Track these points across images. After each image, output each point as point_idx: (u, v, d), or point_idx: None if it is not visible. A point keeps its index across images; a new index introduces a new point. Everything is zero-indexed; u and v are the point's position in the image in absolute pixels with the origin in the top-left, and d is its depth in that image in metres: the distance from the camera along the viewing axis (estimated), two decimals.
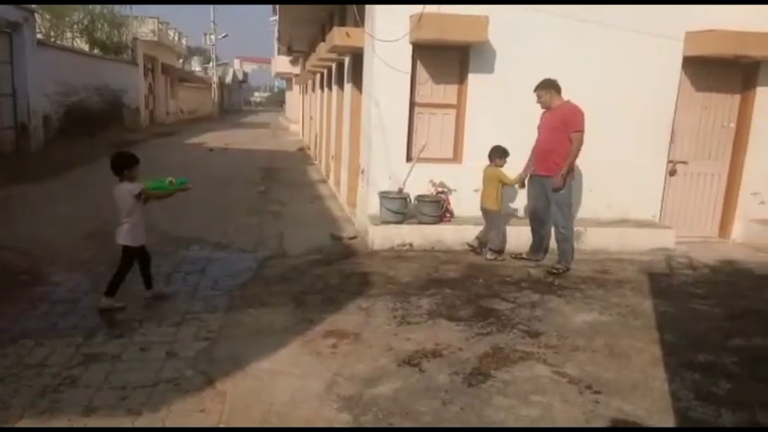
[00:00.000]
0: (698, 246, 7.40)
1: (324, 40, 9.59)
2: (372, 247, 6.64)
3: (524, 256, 6.51)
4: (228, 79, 57.15)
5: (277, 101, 71.50)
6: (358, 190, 7.93)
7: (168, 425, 3.13)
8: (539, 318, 4.82)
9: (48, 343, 4.00)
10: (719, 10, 6.88)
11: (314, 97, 16.56)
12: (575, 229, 6.44)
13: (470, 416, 3.31)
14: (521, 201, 7.14)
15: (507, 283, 5.68)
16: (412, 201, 6.83)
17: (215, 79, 46.05)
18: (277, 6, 15.09)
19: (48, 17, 21.54)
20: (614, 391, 3.65)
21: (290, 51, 20.62)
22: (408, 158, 7.06)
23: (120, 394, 3.39)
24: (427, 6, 6.38)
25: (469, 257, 6.47)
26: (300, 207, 9.38)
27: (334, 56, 9.37)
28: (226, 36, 48.60)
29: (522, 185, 6.47)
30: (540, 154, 6.14)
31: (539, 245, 6.50)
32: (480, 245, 6.60)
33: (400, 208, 6.73)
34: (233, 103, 58.84)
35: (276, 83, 75.06)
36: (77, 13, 23.51)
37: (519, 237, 6.66)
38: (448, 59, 7.08)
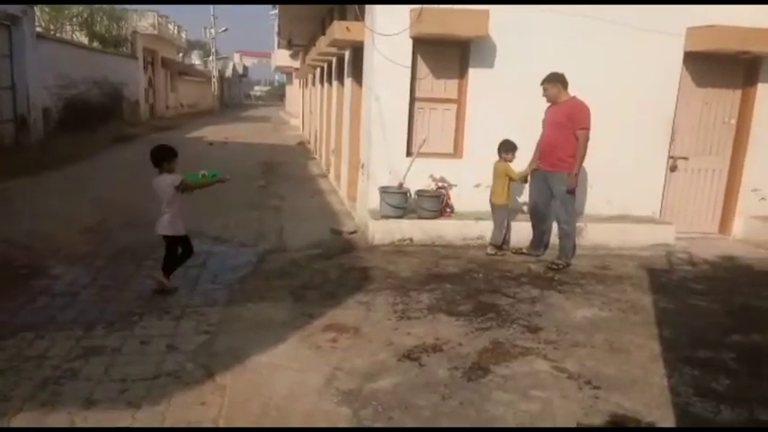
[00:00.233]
0: (698, 242, 7.41)
1: (324, 35, 9.55)
2: (372, 242, 6.64)
3: (524, 251, 6.51)
4: (228, 73, 57.02)
5: (277, 95, 71.36)
6: (358, 184, 7.92)
7: (168, 418, 3.13)
8: (538, 313, 4.82)
9: (48, 336, 4.01)
10: (721, 5, 6.86)
11: (314, 91, 16.53)
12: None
13: (470, 410, 3.31)
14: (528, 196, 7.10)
15: (507, 279, 5.68)
16: (412, 196, 6.83)
17: (215, 73, 45.93)
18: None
19: (47, 10, 21.46)
20: (614, 386, 3.65)
21: (290, 45, 20.55)
22: (408, 153, 7.05)
23: (121, 387, 3.39)
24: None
25: (470, 253, 6.47)
26: (300, 201, 9.38)
27: (334, 50, 9.35)
28: (226, 30, 48.41)
29: (525, 180, 6.44)
30: (545, 149, 6.10)
31: (539, 240, 6.49)
32: (499, 246, 6.52)
33: (400, 203, 6.72)
34: (233, 97, 58.73)
35: (276, 77, 75.11)
36: (76, 6, 23.42)
37: (519, 232, 6.64)
38: (448, 54, 7.06)
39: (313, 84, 16.87)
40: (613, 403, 3.45)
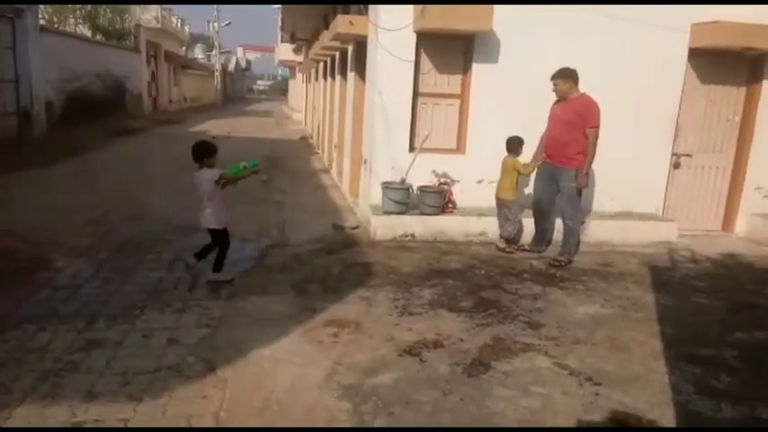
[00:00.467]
0: (701, 239, 7.39)
1: (327, 29, 9.53)
2: (374, 238, 6.64)
3: (527, 247, 6.50)
4: (231, 67, 56.99)
5: (280, 89, 71.34)
6: (360, 180, 7.91)
7: (169, 411, 3.14)
8: (540, 309, 4.82)
9: (50, 328, 4.02)
10: (725, 5, 6.82)
11: (317, 86, 16.50)
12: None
13: (470, 406, 3.32)
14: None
15: (509, 275, 5.68)
16: (414, 191, 6.82)
17: (218, 67, 45.90)
18: None
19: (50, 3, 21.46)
20: (614, 383, 3.65)
21: (293, 39, 20.50)
22: (411, 149, 7.04)
23: (122, 380, 3.40)
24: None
25: (472, 249, 6.47)
26: (303, 196, 9.37)
27: (337, 44, 9.32)
28: (229, 24, 48.47)
29: (533, 171, 6.38)
30: (553, 145, 6.06)
31: (542, 236, 6.48)
32: (511, 242, 6.50)
33: (403, 198, 6.71)
34: (236, 92, 58.72)
35: (279, 71, 74.95)
36: None
37: (522, 229, 6.63)
38: (452, 49, 7.03)
39: (316, 78, 16.84)
40: (614, 400, 3.45)
